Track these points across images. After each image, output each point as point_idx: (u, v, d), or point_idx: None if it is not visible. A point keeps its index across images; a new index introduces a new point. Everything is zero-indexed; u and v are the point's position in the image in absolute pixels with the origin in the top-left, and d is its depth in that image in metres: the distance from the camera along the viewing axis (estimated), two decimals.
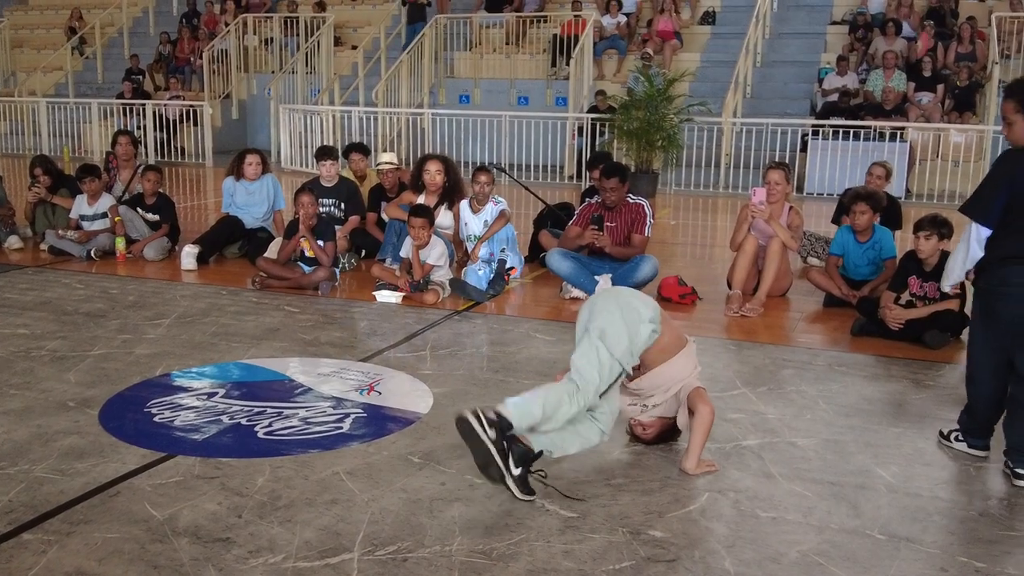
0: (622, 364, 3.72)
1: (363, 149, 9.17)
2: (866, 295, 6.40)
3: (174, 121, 17.17)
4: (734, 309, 6.51)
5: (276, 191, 8.44)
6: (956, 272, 4.05)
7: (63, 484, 3.61)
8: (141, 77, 19.01)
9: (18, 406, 4.46)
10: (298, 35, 18.55)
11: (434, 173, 7.62)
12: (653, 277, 6.85)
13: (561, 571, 3.04)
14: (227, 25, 19.11)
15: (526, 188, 9.24)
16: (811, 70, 15.97)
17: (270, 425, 4.27)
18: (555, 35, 16.83)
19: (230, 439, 4.11)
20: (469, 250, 7.37)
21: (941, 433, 4.19)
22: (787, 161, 11.28)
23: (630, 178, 7.24)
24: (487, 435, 3.44)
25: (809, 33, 16.80)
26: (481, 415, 3.47)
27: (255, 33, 19.10)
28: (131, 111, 17.09)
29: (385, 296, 6.72)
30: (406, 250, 6.89)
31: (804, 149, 13.66)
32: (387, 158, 8.54)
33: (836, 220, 8.05)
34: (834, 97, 14.47)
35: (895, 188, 11.78)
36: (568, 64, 15.95)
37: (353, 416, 4.40)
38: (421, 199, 7.58)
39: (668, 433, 4.06)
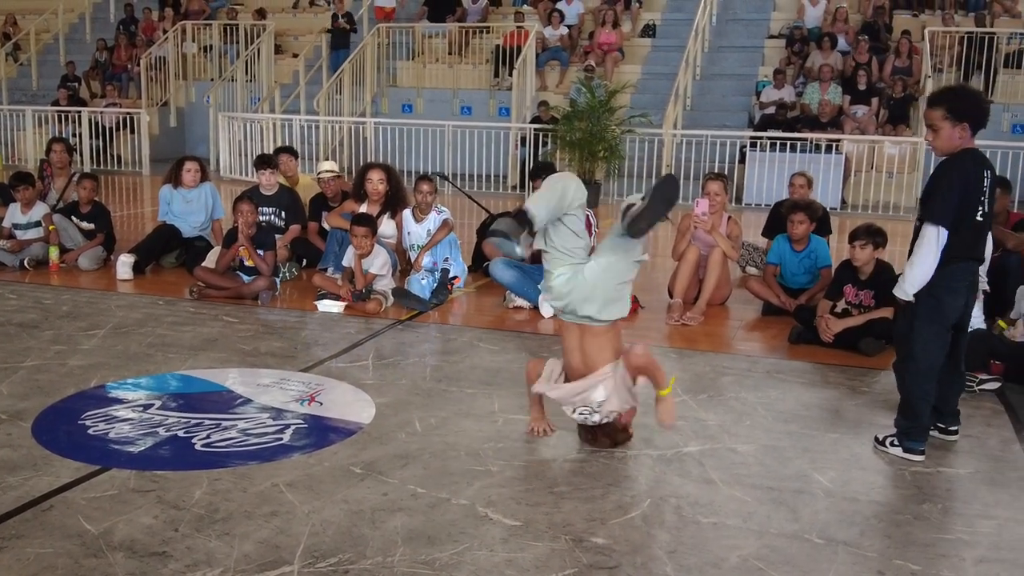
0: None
1: (291, 151, 9.11)
2: (803, 303, 6.50)
3: (111, 129, 16.86)
4: (675, 318, 6.57)
5: (215, 200, 8.33)
6: (922, 278, 3.98)
7: None
8: (77, 84, 18.63)
9: None
10: (238, 43, 18.35)
11: (376, 182, 7.58)
12: None
13: None
14: (165, 32, 18.84)
15: (469, 197, 9.23)
16: (749, 83, 16.21)
17: (208, 437, 4.20)
18: (498, 46, 16.87)
19: (167, 451, 4.04)
20: (412, 259, 7.34)
21: (877, 439, 4.26)
22: (726, 172, 11.44)
23: None
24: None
25: (747, 47, 17.05)
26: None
27: (194, 40, 18.85)
28: (66, 118, 16.76)
29: (327, 306, 6.66)
30: (348, 259, 6.84)
31: (742, 161, 13.84)
32: (327, 166, 8.49)
33: (767, 233, 8.12)
34: (771, 110, 14.70)
35: (831, 199, 12.05)
36: (511, 75, 16.00)
37: (294, 427, 4.35)
38: (363, 208, 7.54)
39: (622, 435, 4.12)
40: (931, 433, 4.32)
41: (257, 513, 3.45)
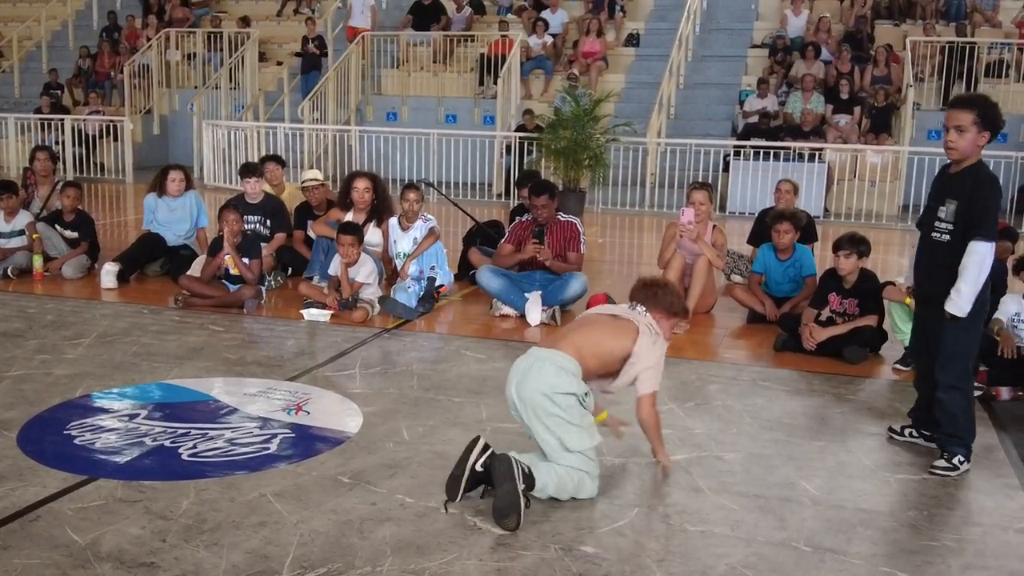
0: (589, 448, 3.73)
1: (278, 160, 9.10)
2: (787, 312, 6.54)
3: (93, 136, 16.79)
4: None
5: (199, 208, 8.30)
6: (975, 295, 3.94)
7: None
8: (60, 91, 18.54)
9: None
10: (222, 50, 18.31)
11: (362, 191, 7.58)
12: (582, 294, 6.91)
13: None
14: (149, 40, 18.78)
15: (456, 205, 9.24)
16: (732, 92, 16.30)
17: (194, 447, 4.19)
18: (482, 54, 16.91)
19: (153, 461, 4.03)
20: (398, 268, 7.34)
21: (936, 469, 4.11)
22: (710, 181, 11.49)
23: (558, 196, 7.31)
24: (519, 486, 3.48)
25: (730, 56, 17.16)
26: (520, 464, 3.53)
27: (178, 48, 18.80)
28: (49, 126, 16.68)
29: (313, 314, 6.65)
30: (335, 268, 6.84)
31: (726, 169, 13.92)
32: (311, 175, 8.49)
33: (753, 241, 8.17)
34: (755, 119, 14.78)
35: (814, 208, 12.11)
36: (496, 83, 16.03)
37: (281, 436, 4.34)
38: (349, 216, 7.54)
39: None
40: (916, 440, 4.40)
41: (245, 523, 3.44)
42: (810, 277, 6.75)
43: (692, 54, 17.03)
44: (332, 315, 6.65)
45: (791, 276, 6.86)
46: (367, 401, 4.86)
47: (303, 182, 8.38)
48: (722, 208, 13.32)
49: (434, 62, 17.65)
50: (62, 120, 16.62)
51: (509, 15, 18.46)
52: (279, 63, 18.26)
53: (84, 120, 16.79)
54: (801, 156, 13.47)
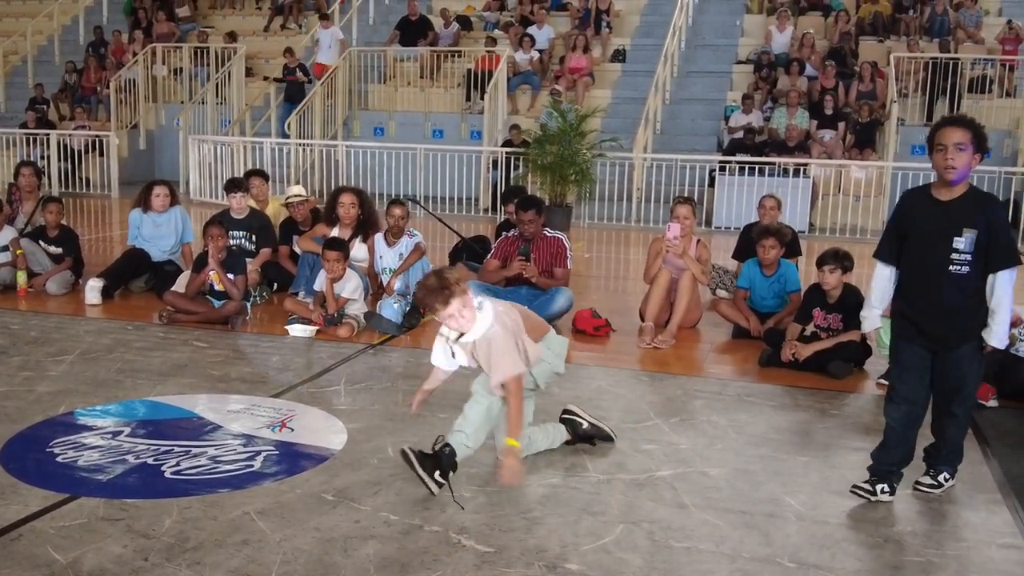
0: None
1: (262, 174, 9.09)
2: (772, 327, 6.55)
3: (79, 151, 16.74)
4: (647, 341, 6.60)
5: (184, 224, 8.28)
6: (1008, 322, 3.84)
7: None
8: (46, 106, 18.48)
9: None
10: (208, 65, 18.31)
11: (348, 206, 7.58)
12: (568, 309, 6.92)
13: None
14: (135, 55, 18.76)
15: (442, 221, 9.24)
16: (718, 108, 16.38)
17: (177, 464, 4.17)
18: (469, 70, 16.95)
19: (136, 479, 4.00)
20: (384, 283, 7.33)
21: (921, 485, 4.06)
22: (696, 196, 11.53)
23: (545, 211, 7.33)
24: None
25: (715, 72, 17.24)
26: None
27: (164, 63, 18.79)
28: (35, 141, 16.62)
29: (298, 330, 6.63)
30: (320, 283, 6.82)
31: (712, 184, 13.97)
32: (296, 191, 8.49)
33: (738, 256, 8.19)
34: (740, 134, 14.84)
35: (799, 222, 12.16)
36: (482, 98, 16.06)
37: (264, 454, 4.32)
38: (335, 232, 7.53)
39: None
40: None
41: (228, 542, 3.42)
42: (795, 293, 6.77)
43: (678, 70, 17.11)
44: (317, 331, 6.63)
45: (776, 291, 6.88)
46: (352, 418, 4.84)
47: (287, 198, 8.37)
48: (708, 223, 13.36)
49: (421, 77, 17.69)
50: (48, 135, 16.57)
51: (496, 31, 18.51)
52: (266, 78, 18.26)
53: (70, 135, 16.75)
54: (786, 171, 13.53)
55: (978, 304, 3.81)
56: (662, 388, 5.62)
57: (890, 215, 4.09)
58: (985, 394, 5.22)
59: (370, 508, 3.75)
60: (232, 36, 19.13)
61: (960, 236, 3.76)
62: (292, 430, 4.65)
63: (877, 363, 5.92)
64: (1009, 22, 16.28)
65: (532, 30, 17.65)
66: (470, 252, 8.17)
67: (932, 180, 3.91)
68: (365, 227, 7.64)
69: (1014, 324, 5.30)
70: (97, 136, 16.86)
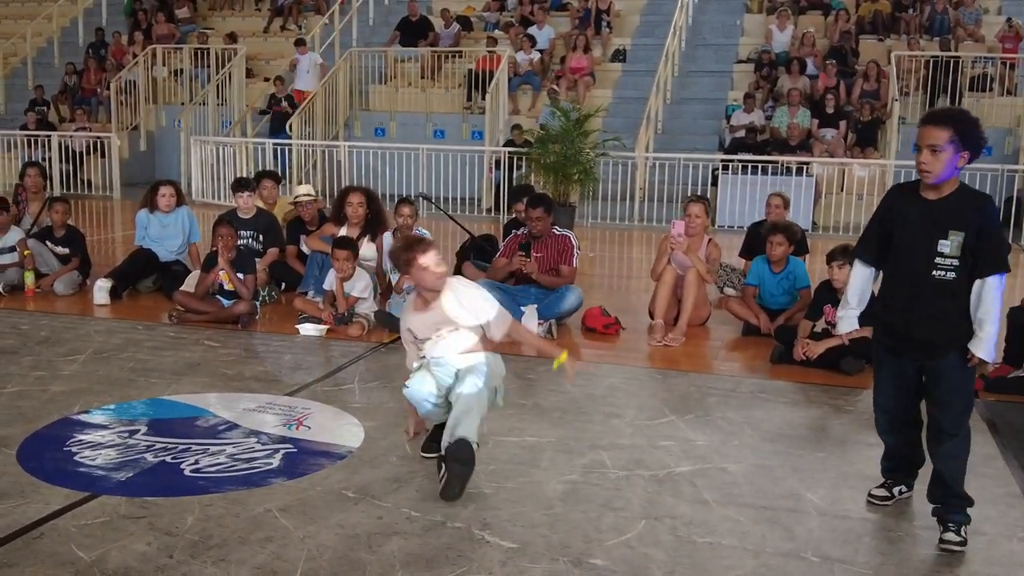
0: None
1: (274, 176, 9.08)
2: (783, 324, 6.56)
3: (80, 153, 16.72)
4: (657, 339, 6.60)
5: (191, 224, 8.27)
6: (997, 334, 3.51)
7: None
8: (46, 108, 18.46)
9: None
10: (209, 66, 18.29)
11: (356, 205, 7.57)
12: (578, 307, 6.92)
13: None
14: (135, 56, 18.75)
15: (453, 220, 9.21)
16: (719, 107, 16.38)
17: (196, 462, 4.17)
18: (470, 70, 16.95)
19: (155, 477, 4.00)
20: (392, 282, 7.33)
21: (946, 543, 3.53)
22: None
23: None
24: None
25: (716, 71, 17.25)
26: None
27: (164, 64, 18.77)
28: (36, 142, 16.60)
29: (308, 329, 6.63)
30: (330, 283, 6.82)
31: (714, 183, 13.98)
32: (304, 190, 8.47)
33: (745, 254, 8.21)
34: (742, 133, 14.86)
35: (802, 221, 12.16)
36: (484, 99, 16.06)
37: (283, 451, 4.32)
38: (343, 231, 7.52)
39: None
40: (907, 496, 3.95)
41: (252, 539, 3.42)
42: (804, 289, 6.77)
43: (679, 69, 17.12)
44: (328, 330, 6.63)
45: (785, 288, 6.88)
46: (367, 415, 4.84)
47: (296, 197, 8.36)
48: (711, 222, 13.34)
49: (422, 78, 17.68)
50: (48, 137, 16.54)
51: (496, 31, 18.52)
52: (266, 79, 18.25)
53: (71, 137, 16.73)
54: (789, 170, 13.55)
55: (965, 311, 3.48)
56: (675, 385, 5.63)
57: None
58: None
59: (392, 504, 3.75)
60: (232, 37, 19.11)
61: (945, 239, 3.44)
62: (309, 428, 4.65)
63: None
64: (1009, 20, 16.32)
65: (532, 30, 17.65)
66: (478, 251, 8.16)
67: None
68: (373, 226, 7.63)
69: None
70: (98, 138, 16.83)
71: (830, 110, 15.03)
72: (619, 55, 17.73)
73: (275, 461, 4.21)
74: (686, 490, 3.97)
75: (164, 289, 7.73)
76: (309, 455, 4.30)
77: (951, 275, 3.46)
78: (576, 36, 17.21)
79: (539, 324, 6.64)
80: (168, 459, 4.19)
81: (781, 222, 7.19)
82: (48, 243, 8.04)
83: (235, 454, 4.27)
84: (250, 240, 7.99)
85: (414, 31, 18.26)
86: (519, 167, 14.12)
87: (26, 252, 7.81)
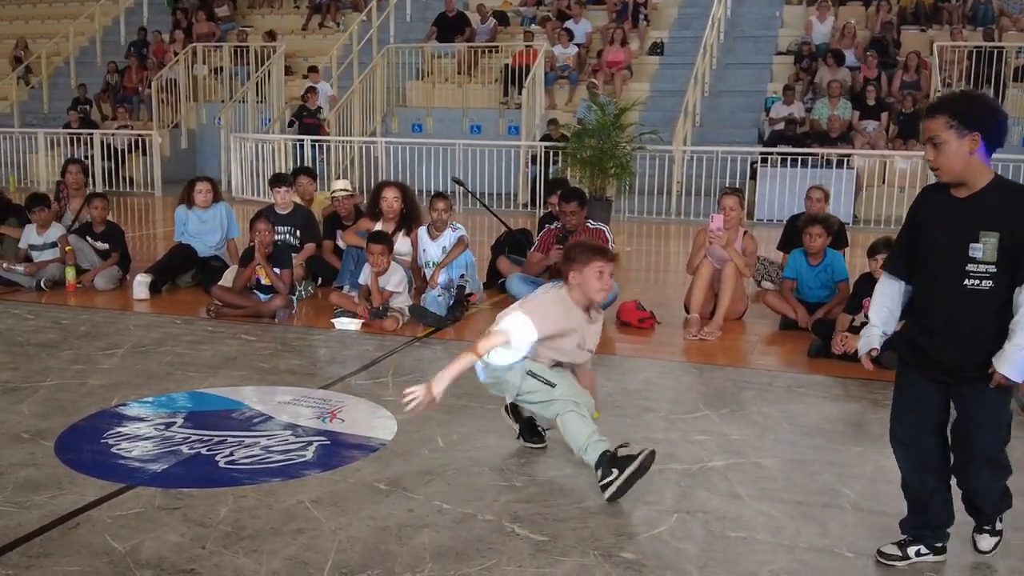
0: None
1: (310, 173, 9.14)
2: (821, 317, 6.48)
3: (122, 151, 16.94)
4: (693, 333, 6.55)
5: (230, 219, 8.35)
6: None
7: (20, 517, 3.51)
8: (88, 107, 18.73)
9: None
10: (248, 64, 18.46)
11: (391, 200, 7.59)
12: (612, 301, 6.87)
13: None
14: (176, 54, 18.96)
15: (490, 211, 9.20)
16: (758, 99, 16.23)
17: (231, 454, 4.20)
18: (507, 65, 16.94)
19: (191, 469, 4.04)
20: (427, 277, 7.34)
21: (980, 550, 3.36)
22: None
23: (586, 203, 7.29)
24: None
25: (755, 63, 17.09)
26: None
27: (204, 62, 18.97)
28: (78, 140, 16.85)
29: (344, 323, 6.66)
30: (364, 277, 6.84)
31: (753, 177, 13.85)
32: (341, 185, 8.51)
33: (783, 247, 8.12)
34: (781, 126, 14.72)
35: (843, 214, 12.03)
36: (520, 94, 16.04)
37: (316, 444, 4.34)
38: (378, 226, 7.55)
39: None
40: (925, 558, 3.35)
41: (284, 530, 3.44)
42: (843, 282, 6.69)
43: (717, 62, 16.98)
44: (363, 324, 6.66)
45: (823, 281, 6.80)
46: (400, 409, 4.84)
47: (333, 192, 8.41)
48: (750, 215, 13.23)
49: (459, 73, 17.71)
50: (91, 135, 16.78)
51: (533, 25, 18.49)
52: (304, 76, 18.36)
53: (113, 135, 16.95)
54: (829, 162, 13.40)
55: (1005, 328, 3.00)
56: (710, 379, 5.58)
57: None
58: None
59: (423, 497, 3.75)
60: (271, 35, 19.28)
61: (976, 242, 2.99)
62: (342, 421, 4.67)
63: None
64: None
65: (569, 24, 17.62)
66: (513, 244, 8.15)
67: None
68: (408, 221, 7.65)
69: None
70: (139, 135, 17.05)
71: (871, 102, 14.84)
72: (657, 48, 17.63)
73: (309, 453, 4.23)
74: (719, 484, 3.93)
75: (202, 284, 7.82)
76: (342, 447, 4.32)
77: (987, 284, 2.99)
78: (613, 29, 17.14)
79: None
80: (204, 451, 4.23)
81: (820, 214, 7.10)
82: (88, 239, 8.14)
83: (270, 446, 4.30)
84: (287, 235, 8.05)
85: (451, 27, 18.29)
86: (555, 162, 14.08)
87: (67, 248, 7.93)
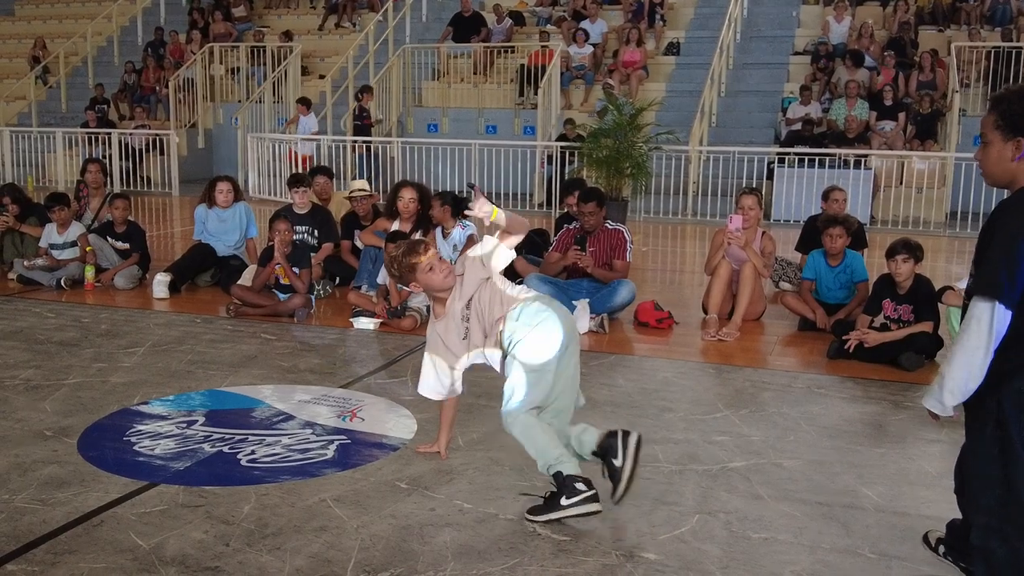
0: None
1: (327, 172, 9.17)
2: (841, 319, 6.46)
3: (140, 150, 17.03)
4: (711, 333, 6.54)
5: (249, 219, 8.38)
6: (973, 381, 2.72)
7: (45, 514, 3.54)
8: (106, 106, 18.84)
9: None
10: (265, 64, 18.52)
11: (408, 200, 7.59)
12: (631, 301, 6.88)
13: None
14: (193, 54, 19.04)
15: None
16: (775, 99, 16.19)
17: (253, 453, 4.22)
18: (522, 65, 16.94)
19: (213, 467, 4.06)
20: None
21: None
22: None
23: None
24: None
25: (772, 64, 17.04)
26: None
27: (221, 63, 19.04)
28: (96, 140, 16.94)
29: (362, 323, 6.68)
30: (383, 277, 6.86)
31: (770, 177, 13.81)
32: (359, 185, 8.52)
33: (801, 248, 8.09)
34: (798, 126, 14.67)
35: (860, 215, 11.98)
36: (536, 94, 16.05)
37: (337, 443, 4.36)
38: (395, 226, 7.56)
39: None
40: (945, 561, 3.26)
41: (306, 528, 3.46)
42: (862, 283, 6.67)
43: (733, 62, 16.94)
44: (381, 323, 6.67)
45: (842, 282, 6.78)
46: (420, 408, 4.86)
47: (351, 192, 8.42)
48: (766, 216, 13.19)
49: (474, 73, 17.72)
50: (109, 134, 16.86)
51: (549, 26, 18.49)
52: (321, 76, 18.42)
53: (131, 134, 17.04)
54: (846, 163, 13.35)
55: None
56: (729, 380, 5.57)
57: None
58: None
59: (444, 496, 3.76)
60: (288, 35, 19.33)
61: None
62: (363, 420, 4.69)
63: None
64: None
65: (585, 24, 17.60)
66: (529, 245, 8.15)
67: None
68: (425, 221, 7.65)
69: None
70: (157, 135, 17.14)
71: (888, 102, 14.78)
72: (673, 48, 17.60)
73: (329, 452, 4.24)
74: (740, 485, 3.93)
75: (222, 283, 7.86)
76: (362, 446, 4.33)
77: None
78: (629, 29, 17.11)
79: (591, 318, 6.62)
80: (225, 449, 4.25)
81: (839, 214, 7.08)
82: (109, 238, 8.19)
83: (290, 445, 4.32)
84: (305, 235, 8.07)
85: (466, 27, 18.30)
86: (571, 162, 14.08)
87: (88, 248, 7.97)
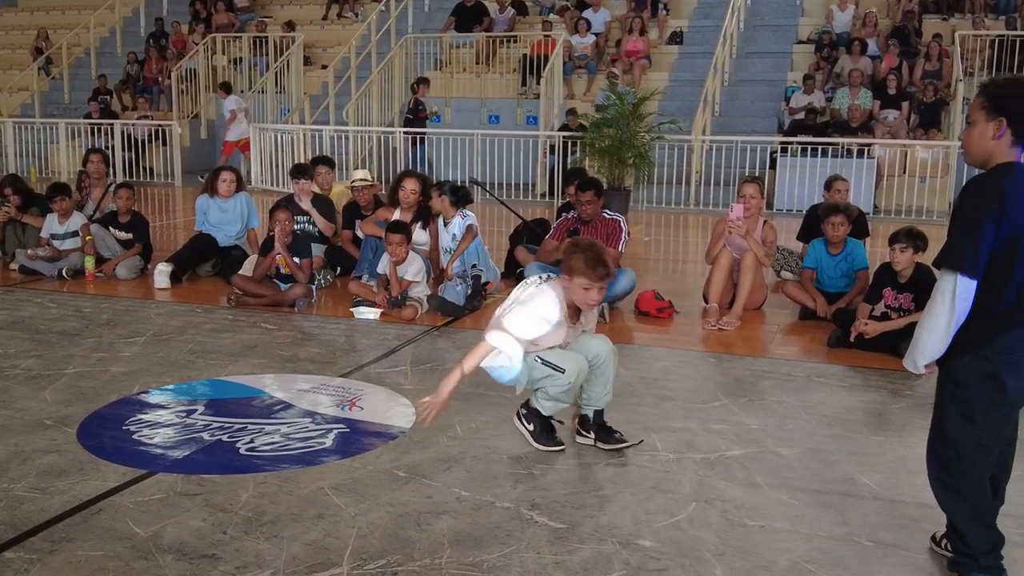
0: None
1: (329, 162, 9.17)
2: (841, 307, 6.45)
3: (142, 141, 17.04)
4: (712, 322, 6.54)
5: (250, 209, 8.38)
6: (939, 344, 2.92)
7: (43, 502, 3.55)
8: (108, 97, 18.83)
9: None
10: (267, 55, 18.51)
11: (409, 191, 7.60)
12: (631, 291, 6.88)
13: None
14: (195, 45, 19.03)
15: (504, 204, 9.22)
16: (778, 88, 16.15)
17: (252, 441, 4.23)
18: (525, 55, 16.91)
19: (212, 456, 4.07)
20: (444, 267, 7.35)
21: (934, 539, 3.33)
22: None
23: (604, 193, 7.28)
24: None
25: (775, 52, 16.99)
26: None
27: (224, 53, 19.03)
28: (99, 131, 16.95)
29: (363, 312, 6.69)
30: (383, 266, 6.86)
31: (772, 166, 13.78)
32: (361, 175, 8.51)
33: (803, 237, 8.07)
34: (801, 115, 14.63)
35: (863, 204, 11.96)
36: (538, 83, 16.02)
37: (336, 431, 4.37)
38: (396, 215, 7.56)
39: None
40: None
41: (304, 516, 3.47)
42: (862, 270, 6.66)
43: (736, 51, 16.90)
44: (381, 313, 6.68)
45: (843, 270, 6.77)
46: (419, 397, 4.83)
47: (352, 182, 8.41)
48: (769, 205, 13.18)
49: (477, 63, 17.68)
50: (111, 125, 16.87)
51: (551, 15, 18.45)
52: (324, 67, 18.40)
53: (133, 125, 17.04)
54: (849, 152, 13.32)
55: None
56: (729, 369, 5.57)
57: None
58: None
59: (441, 484, 3.77)
60: (290, 25, 19.30)
61: None
62: (362, 408, 4.70)
63: None
64: None
65: (588, 13, 17.55)
66: (531, 235, 8.15)
67: None
68: (426, 212, 7.66)
69: None
70: (160, 126, 17.14)
71: (892, 91, 14.73)
72: (676, 37, 17.55)
73: (328, 440, 4.25)
74: (738, 473, 3.93)
75: (223, 273, 7.86)
76: (361, 435, 4.34)
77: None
78: (632, 19, 17.06)
79: None
80: (224, 438, 4.26)
81: (840, 203, 7.06)
82: (112, 228, 8.20)
83: (289, 433, 4.33)
84: (307, 225, 8.08)
85: (469, 17, 18.27)
86: (574, 152, 14.06)
87: (88, 237, 7.98)
